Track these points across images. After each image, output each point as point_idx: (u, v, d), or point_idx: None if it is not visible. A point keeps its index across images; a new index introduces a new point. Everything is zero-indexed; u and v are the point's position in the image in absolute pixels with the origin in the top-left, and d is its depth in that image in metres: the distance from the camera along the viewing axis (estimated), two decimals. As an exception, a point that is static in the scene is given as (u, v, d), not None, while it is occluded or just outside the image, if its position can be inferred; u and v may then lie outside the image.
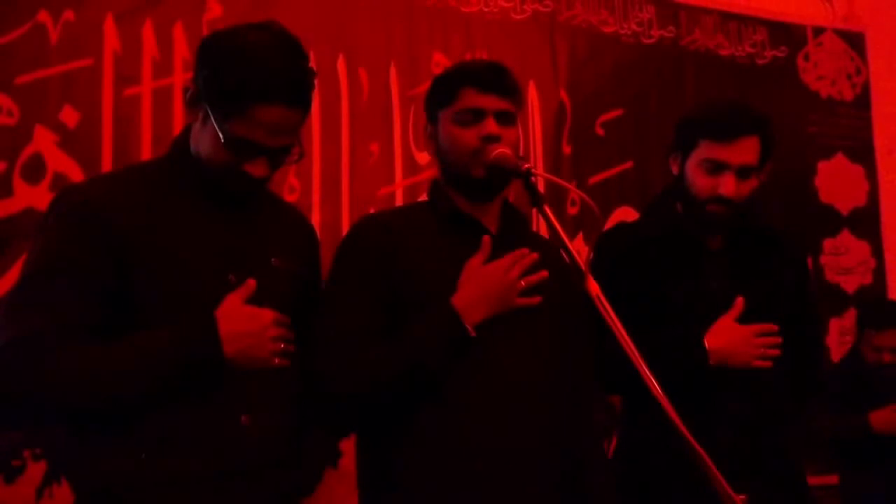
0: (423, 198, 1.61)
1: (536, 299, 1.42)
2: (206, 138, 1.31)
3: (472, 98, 1.45)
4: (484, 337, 1.39)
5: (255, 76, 1.25)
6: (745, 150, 1.71)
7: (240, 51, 1.27)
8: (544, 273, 1.42)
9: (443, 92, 1.50)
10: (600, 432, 1.74)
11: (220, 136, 1.27)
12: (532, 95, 2.85)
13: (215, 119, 1.27)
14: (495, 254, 1.43)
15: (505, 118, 1.46)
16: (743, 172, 1.71)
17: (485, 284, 1.40)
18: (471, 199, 1.50)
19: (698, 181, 1.73)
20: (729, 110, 1.75)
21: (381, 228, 1.48)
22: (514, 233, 1.52)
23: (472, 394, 1.39)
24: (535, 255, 1.42)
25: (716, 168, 1.71)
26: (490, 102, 1.45)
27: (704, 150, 1.72)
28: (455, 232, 1.48)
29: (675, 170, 1.81)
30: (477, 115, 1.45)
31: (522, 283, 1.41)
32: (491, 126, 1.44)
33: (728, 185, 1.70)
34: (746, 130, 1.71)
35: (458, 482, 1.37)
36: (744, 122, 1.72)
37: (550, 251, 1.55)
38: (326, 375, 1.38)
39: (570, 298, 1.56)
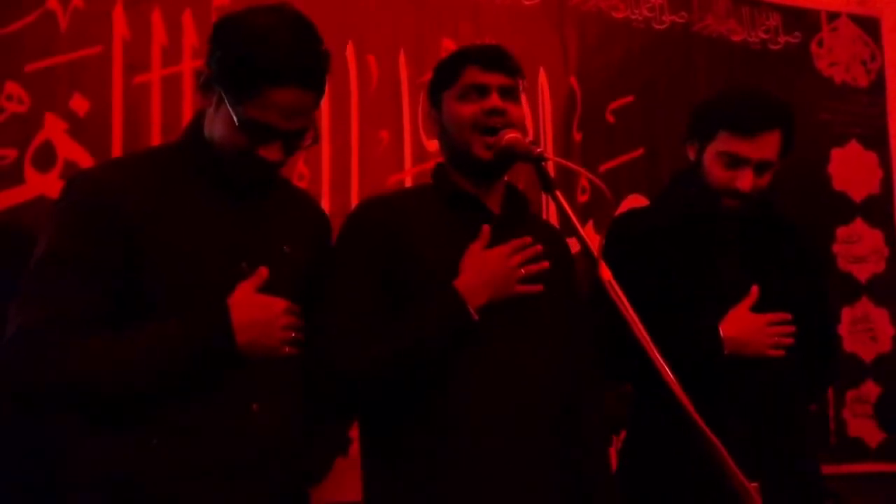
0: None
1: (538, 287, 1.41)
2: (220, 122, 1.30)
3: (475, 75, 1.45)
4: (486, 326, 1.38)
5: (269, 58, 1.24)
6: (766, 146, 1.67)
7: (254, 33, 1.26)
8: (545, 264, 1.41)
9: (445, 74, 1.50)
10: (608, 424, 1.73)
11: (235, 119, 1.26)
12: (542, 82, 2.83)
13: (229, 102, 1.26)
14: (498, 235, 1.43)
15: (509, 94, 1.46)
16: (761, 167, 1.69)
17: (485, 270, 1.39)
18: (474, 179, 1.49)
19: (715, 173, 1.70)
20: (751, 102, 1.70)
21: (385, 209, 1.48)
22: (516, 215, 1.51)
23: (475, 383, 1.39)
24: (538, 247, 1.41)
25: (734, 162, 1.68)
26: (493, 79, 1.45)
27: (723, 143, 1.69)
28: (458, 213, 1.48)
29: (692, 156, 1.78)
30: (481, 91, 1.45)
31: (522, 271, 1.40)
32: (495, 100, 1.44)
33: (745, 181, 1.67)
34: (768, 125, 1.66)
35: (462, 472, 1.37)
36: (766, 117, 1.67)
37: (551, 235, 1.54)
38: (331, 357, 1.38)
39: (570, 285, 1.55)
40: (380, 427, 1.46)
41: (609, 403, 1.70)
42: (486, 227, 1.42)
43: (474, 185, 1.50)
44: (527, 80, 1.55)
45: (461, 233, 1.44)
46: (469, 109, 1.45)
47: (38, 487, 1.74)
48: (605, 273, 1.21)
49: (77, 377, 1.23)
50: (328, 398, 1.44)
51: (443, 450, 1.38)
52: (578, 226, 1.27)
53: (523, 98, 1.52)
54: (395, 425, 1.42)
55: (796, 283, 1.77)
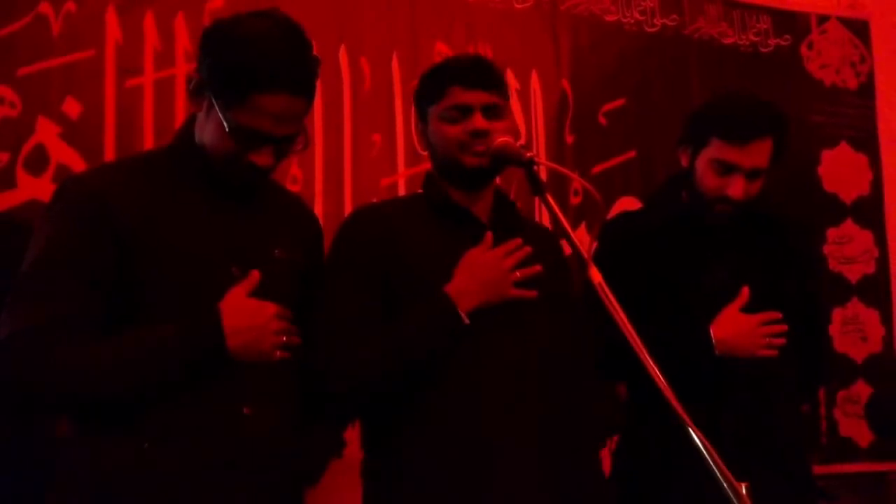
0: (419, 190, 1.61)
1: (533, 293, 1.42)
2: (211, 128, 1.31)
3: (459, 95, 1.46)
4: (481, 328, 1.40)
5: (259, 64, 1.24)
6: (758, 153, 1.68)
7: (243, 39, 1.26)
8: (538, 267, 1.43)
9: (430, 90, 1.51)
10: (601, 425, 1.74)
11: (225, 125, 1.26)
12: (534, 85, 2.84)
13: (219, 108, 1.27)
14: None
15: (493, 112, 1.47)
16: (753, 174, 1.69)
17: (479, 273, 1.41)
18: (463, 188, 1.51)
19: (706, 180, 1.71)
20: (744, 110, 1.70)
21: (377, 219, 1.50)
22: (506, 221, 1.53)
23: (470, 385, 1.40)
24: (528, 249, 1.43)
25: (726, 169, 1.69)
26: (476, 98, 1.46)
27: (715, 150, 1.69)
28: (447, 222, 1.49)
29: (684, 162, 1.79)
30: (464, 112, 1.46)
31: (517, 273, 1.41)
32: (478, 121, 1.45)
33: (736, 188, 1.67)
34: (761, 133, 1.67)
35: (460, 471, 1.38)
36: (758, 125, 1.67)
37: (542, 237, 1.56)
38: (325, 365, 1.40)
39: (563, 286, 1.56)
40: (377, 429, 1.47)
41: (606, 408, 1.70)
42: (488, 234, 1.44)
43: (463, 195, 1.51)
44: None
45: (452, 241, 1.46)
46: (453, 131, 1.46)
47: (32, 490, 1.74)
48: (596, 275, 1.22)
49: (70, 379, 1.23)
50: (323, 402, 1.44)
51: (439, 451, 1.39)
52: (568, 228, 1.28)
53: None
54: (393, 427, 1.43)
55: (787, 283, 1.78)
